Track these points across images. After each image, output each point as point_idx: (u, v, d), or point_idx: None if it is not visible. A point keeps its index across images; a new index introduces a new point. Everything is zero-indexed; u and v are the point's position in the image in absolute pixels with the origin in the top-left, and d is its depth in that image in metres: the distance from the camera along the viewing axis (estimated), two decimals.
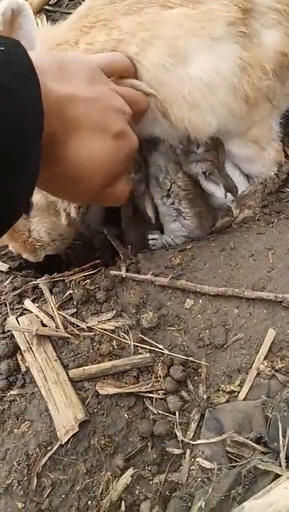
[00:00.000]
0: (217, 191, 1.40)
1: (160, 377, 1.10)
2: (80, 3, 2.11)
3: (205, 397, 1.07)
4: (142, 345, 1.15)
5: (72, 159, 0.80)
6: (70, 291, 1.27)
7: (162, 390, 1.09)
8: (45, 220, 1.33)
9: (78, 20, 1.21)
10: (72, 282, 1.31)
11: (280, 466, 0.90)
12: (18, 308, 1.26)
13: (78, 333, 1.19)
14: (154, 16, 1.15)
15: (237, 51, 1.18)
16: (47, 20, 2.16)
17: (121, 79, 1.09)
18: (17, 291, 1.30)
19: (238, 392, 1.06)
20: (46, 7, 2.21)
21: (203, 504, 0.90)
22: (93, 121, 0.84)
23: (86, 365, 1.13)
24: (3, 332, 1.22)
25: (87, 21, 1.20)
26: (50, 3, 2.22)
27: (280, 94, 1.35)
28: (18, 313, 1.25)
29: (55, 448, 1.04)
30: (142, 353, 1.14)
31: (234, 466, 0.94)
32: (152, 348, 1.14)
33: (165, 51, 1.15)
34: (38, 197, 1.28)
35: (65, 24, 1.25)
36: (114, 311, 1.21)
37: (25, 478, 1.02)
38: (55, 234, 1.38)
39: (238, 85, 1.21)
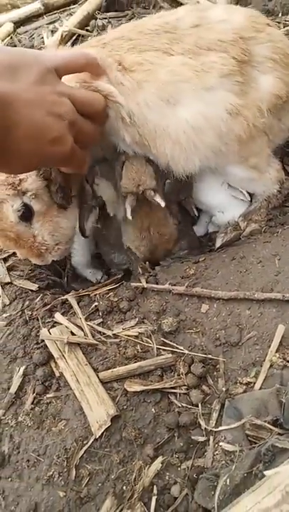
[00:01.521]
0: None
1: (182, 374, 1.21)
2: None
3: (224, 389, 1.17)
4: (164, 348, 1.26)
5: (6, 151, 0.92)
6: (96, 304, 1.40)
7: (185, 385, 1.20)
8: (47, 224, 1.40)
9: (94, 43, 1.40)
10: (97, 296, 1.44)
11: None
12: (48, 322, 1.39)
13: (105, 339, 1.31)
14: (155, 59, 1.33)
15: (229, 98, 1.35)
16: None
17: (92, 80, 1.23)
18: (47, 307, 1.43)
19: (254, 383, 1.16)
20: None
21: (228, 481, 0.99)
22: (31, 124, 0.92)
23: (114, 368, 1.24)
24: (37, 343, 1.34)
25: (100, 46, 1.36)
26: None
27: (277, 129, 1.52)
28: (50, 326, 1.37)
29: (90, 442, 1.14)
30: (164, 354, 1.25)
31: (254, 447, 1.04)
32: (173, 350, 1.25)
33: (156, 92, 1.31)
34: (38, 206, 1.36)
35: (85, 43, 1.46)
36: (137, 319, 1.33)
37: (65, 470, 1.12)
38: (59, 235, 1.44)
39: (225, 129, 1.36)
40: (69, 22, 2.45)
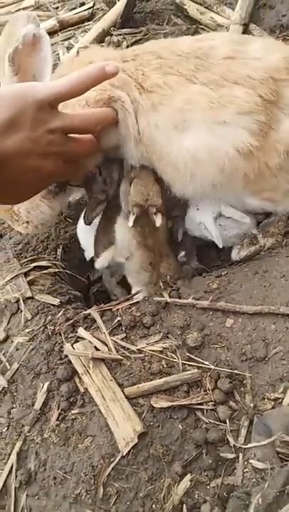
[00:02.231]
0: None
1: (209, 389, 1.20)
2: None
3: (252, 405, 1.16)
4: (189, 363, 1.26)
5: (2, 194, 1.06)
6: (119, 318, 1.39)
7: (212, 401, 1.18)
8: (29, 203, 1.46)
9: (129, 54, 1.40)
10: (120, 310, 1.43)
11: None
12: (72, 337, 1.39)
13: (129, 355, 1.30)
14: (175, 85, 1.33)
15: (242, 136, 1.31)
16: None
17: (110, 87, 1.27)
18: (70, 322, 1.43)
19: (282, 399, 1.15)
20: None
21: (260, 500, 0.97)
22: (25, 172, 1.02)
23: (139, 383, 1.23)
24: (61, 358, 1.34)
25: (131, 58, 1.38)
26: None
27: None
28: (73, 341, 1.37)
29: (117, 459, 1.13)
30: (189, 370, 1.24)
31: (286, 465, 1.02)
32: (199, 365, 1.24)
33: (167, 117, 1.32)
34: None
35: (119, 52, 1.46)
36: (161, 334, 1.33)
37: (92, 488, 1.11)
38: (34, 216, 1.51)
39: (229, 166, 1.33)
40: (84, 39, 2.48)
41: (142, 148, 1.40)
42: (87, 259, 1.73)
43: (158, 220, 1.44)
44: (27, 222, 1.52)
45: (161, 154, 1.38)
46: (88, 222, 1.56)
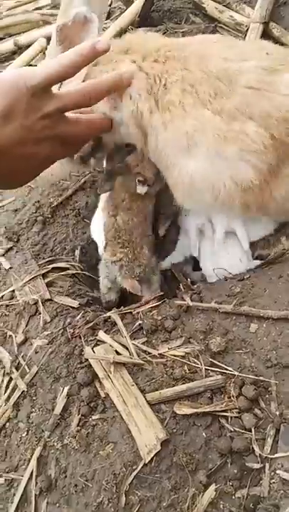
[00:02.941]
0: None
1: (233, 396, 1.17)
2: None
3: (278, 413, 1.13)
4: (212, 369, 1.23)
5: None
6: (140, 322, 1.36)
7: (236, 408, 1.15)
8: None
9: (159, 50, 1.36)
10: (140, 314, 1.41)
11: None
12: (91, 340, 1.36)
13: (151, 359, 1.27)
14: (189, 107, 1.28)
15: (243, 173, 1.26)
16: None
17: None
18: (89, 324, 1.41)
19: None
20: None
21: None
22: (24, 153, 1.01)
23: (161, 389, 1.21)
24: (81, 362, 1.32)
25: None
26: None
27: None
28: (93, 344, 1.35)
29: (139, 467, 1.11)
30: (213, 376, 1.21)
31: None
32: (223, 371, 1.21)
33: (175, 138, 1.30)
34: None
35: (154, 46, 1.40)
36: (183, 338, 1.30)
37: (115, 496, 1.09)
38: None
39: (226, 197, 1.30)
40: (102, 37, 2.45)
41: (149, 151, 1.40)
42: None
43: (141, 189, 1.47)
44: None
45: (167, 164, 1.37)
46: (101, 192, 1.57)
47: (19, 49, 2.73)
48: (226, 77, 1.27)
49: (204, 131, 1.27)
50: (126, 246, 1.53)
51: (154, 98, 1.32)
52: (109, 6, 2.82)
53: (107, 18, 2.75)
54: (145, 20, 2.53)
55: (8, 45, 2.76)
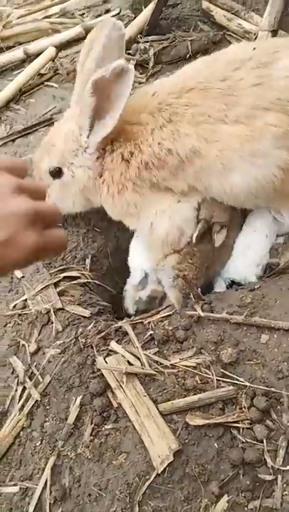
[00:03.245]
0: None
1: (244, 407, 1.18)
2: None
3: None
4: (223, 379, 1.24)
5: None
6: (151, 332, 1.38)
7: (248, 419, 1.17)
8: (62, 192, 1.63)
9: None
10: (151, 323, 1.42)
11: None
12: (103, 350, 1.38)
13: (163, 370, 1.29)
14: (207, 133, 1.41)
15: (281, 156, 1.38)
16: None
17: None
18: (101, 334, 1.42)
19: None
20: None
21: None
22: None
23: (173, 400, 1.22)
24: (93, 372, 1.33)
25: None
26: None
27: None
28: (105, 354, 1.36)
29: (152, 477, 1.12)
30: (224, 387, 1.22)
31: None
32: (234, 382, 1.23)
33: (212, 162, 1.42)
34: (69, 178, 1.60)
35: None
36: (194, 349, 1.31)
37: (128, 507, 1.10)
38: (60, 203, 1.62)
39: (279, 184, 1.42)
40: None
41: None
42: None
43: (218, 240, 1.56)
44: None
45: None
46: None
47: (28, 57, 2.75)
48: (230, 88, 1.40)
49: (229, 144, 1.39)
50: (195, 265, 1.58)
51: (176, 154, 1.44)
52: (118, 14, 2.84)
53: None
54: (154, 28, 2.55)
55: (17, 53, 2.78)
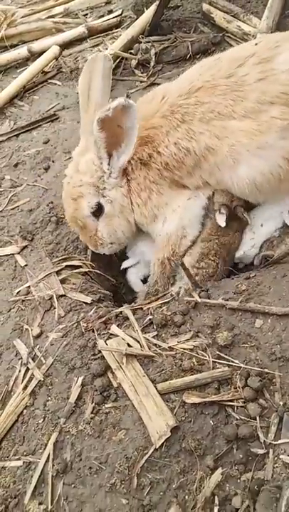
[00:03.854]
0: None
1: (239, 387, 1.24)
2: (133, 71, 2.42)
3: (281, 403, 1.20)
4: (219, 361, 1.29)
5: None
6: (150, 317, 1.44)
7: (242, 398, 1.22)
8: (109, 225, 1.66)
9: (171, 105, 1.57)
10: (150, 309, 1.48)
11: None
12: (104, 334, 1.44)
13: (161, 352, 1.34)
14: (218, 130, 1.49)
15: (286, 147, 1.46)
16: None
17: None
18: (102, 319, 1.48)
19: None
20: None
21: None
22: None
23: (171, 380, 1.27)
24: (94, 354, 1.39)
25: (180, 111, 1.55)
26: None
27: None
28: (105, 338, 1.42)
29: (150, 451, 1.17)
30: (220, 368, 1.28)
31: None
32: (229, 363, 1.28)
33: (220, 156, 1.51)
34: (108, 206, 1.63)
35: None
36: (192, 332, 1.37)
37: (127, 479, 1.15)
38: (116, 238, 1.71)
39: (283, 174, 1.49)
40: (114, 45, 2.55)
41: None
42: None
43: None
44: (111, 243, 1.72)
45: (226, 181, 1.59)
46: None
47: (32, 55, 2.82)
48: (236, 84, 1.48)
49: (239, 139, 1.48)
50: (216, 262, 1.67)
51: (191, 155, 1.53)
52: (120, 15, 2.91)
53: (117, 26, 2.84)
54: (155, 29, 2.62)
55: (22, 51, 2.85)
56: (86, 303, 1.58)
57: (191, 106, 1.52)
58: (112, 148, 1.53)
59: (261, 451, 1.14)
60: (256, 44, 1.55)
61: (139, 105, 1.66)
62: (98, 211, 1.62)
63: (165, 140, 1.54)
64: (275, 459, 1.13)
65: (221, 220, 1.60)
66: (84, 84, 1.68)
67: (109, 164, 1.57)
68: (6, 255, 1.80)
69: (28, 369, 1.41)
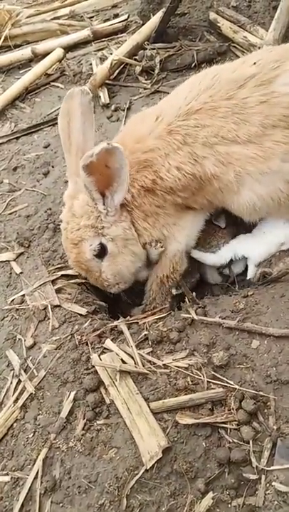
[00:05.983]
0: None
1: (233, 409, 1.22)
2: (137, 78, 2.41)
3: (275, 427, 1.18)
4: (214, 381, 1.28)
5: None
6: (145, 332, 1.42)
7: (235, 421, 1.21)
8: (114, 264, 1.58)
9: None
10: (146, 324, 1.46)
11: None
12: (98, 347, 1.42)
13: (155, 369, 1.33)
14: (223, 156, 1.47)
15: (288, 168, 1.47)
16: (108, 92, 2.46)
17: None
18: (97, 332, 1.46)
19: None
20: (107, 81, 2.51)
21: None
22: None
23: (165, 399, 1.26)
24: (87, 368, 1.37)
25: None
26: (110, 78, 2.52)
27: None
28: (99, 352, 1.40)
29: (141, 472, 1.16)
30: (214, 388, 1.26)
31: None
32: (224, 384, 1.27)
33: (225, 182, 1.50)
34: (110, 245, 1.54)
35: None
36: (187, 350, 1.35)
37: (116, 499, 1.14)
38: (121, 277, 1.62)
39: (284, 199, 1.50)
40: (118, 51, 2.53)
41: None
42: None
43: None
44: (117, 283, 1.64)
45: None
46: None
47: (36, 57, 2.80)
48: (237, 107, 1.46)
49: (244, 167, 1.47)
50: None
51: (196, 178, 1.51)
52: (126, 19, 2.89)
53: (123, 31, 2.82)
54: (161, 36, 2.60)
55: (25, 52, 2.82)
56: (81, 314, 1.56)
57: (191, 128, 1.48)
58: (104, 188, 1.45)
59: (253, 477, 1.13)
60: (255, 63, 1.50)
61: (130, 126, 1.64)
62: (102, 252, 1.54)
63: (165, 164, 1.48)
64: (267, 485, 1.11)
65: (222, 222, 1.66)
66: (63, 123, 1.58)
67: (104, 204, 1.48)
68: (2, 262, 1.77)
69: (19, 381, 1.39)
